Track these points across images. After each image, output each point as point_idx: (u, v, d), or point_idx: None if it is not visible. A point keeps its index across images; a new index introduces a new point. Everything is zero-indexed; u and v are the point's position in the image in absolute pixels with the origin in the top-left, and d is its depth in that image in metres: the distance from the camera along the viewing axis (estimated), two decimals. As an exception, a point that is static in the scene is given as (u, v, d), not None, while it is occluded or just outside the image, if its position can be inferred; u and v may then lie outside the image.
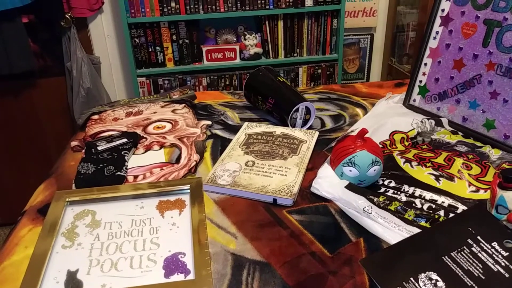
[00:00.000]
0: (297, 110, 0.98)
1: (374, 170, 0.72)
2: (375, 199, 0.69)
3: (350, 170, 0.72)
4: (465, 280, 0.53)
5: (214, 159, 0.88)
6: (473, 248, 0.57)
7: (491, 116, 0.87)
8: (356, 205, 0.68)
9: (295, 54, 2.13)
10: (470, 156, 0.81)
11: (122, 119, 1.03)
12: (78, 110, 1.91)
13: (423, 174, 0.76)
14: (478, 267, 0.55)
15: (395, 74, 2.35)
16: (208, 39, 2.10)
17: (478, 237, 0.59)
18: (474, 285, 0.53)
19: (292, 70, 2.14)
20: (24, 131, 1.99)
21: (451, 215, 0.66)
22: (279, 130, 0.96)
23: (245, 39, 2.04)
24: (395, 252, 0.60)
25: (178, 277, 0.57)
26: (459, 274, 0.54)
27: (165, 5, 1.88)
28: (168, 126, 0.98)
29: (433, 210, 0.67)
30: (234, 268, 0.59)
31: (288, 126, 0.98)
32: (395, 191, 0.72)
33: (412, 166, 0.78)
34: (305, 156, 0.85)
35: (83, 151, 0.87)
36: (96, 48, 2.10)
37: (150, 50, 1.98)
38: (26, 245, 0.64)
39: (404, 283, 0.54)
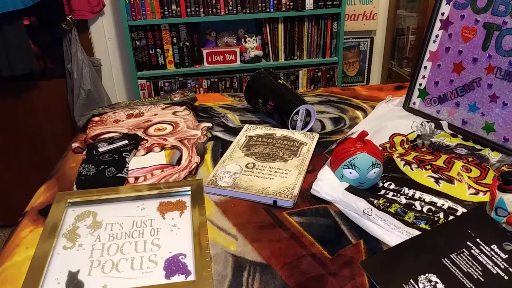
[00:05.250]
0: (297, 113, 0.98)
1: (374, 173, 0.72)
2: (375, 201, 0.69)
3: (350, 172, 0.73)
4: (465, 282, 0.53)
5: (215, 161, 0.88)
6: (472, 251, 0.58)
7: (491, 119, 0.88)
8: (356, 207, 0.68)
9: (295, 57, 2.14)
10: (470, 159, 0.82)
11: (123, 121, 1.04)
12: (79, 112, 1.91)
13: (423, 176, 0.76)
14: (477, 270, 0.55)
15: (394, 77, 2.35)
16: (209, 41, 2.11)
17: (478, 240, 0.59)
18: (473, 287, 0.53)
19: (292, 73, 2.15)
20: (24, 133, 1.99)
21: (451, 217, 0.66)
22: (279, 132, 0.96)
23: (245, 42, 2.04)
24: (395, 254, 0.60)
25: (178, 278, 0.57)
26: (459, 276, 0.54)
27: (166, 8, 1.89)
28: (169, 128, 0.99)
29: (432, 212, 0.67)
30: (235, 269, 0.59)
31: (288, 129, 0.99)
32: (395, 194, 0.72)
33: (412, 169, 0.78)
34: (306, 158, 0.85)
35: (84, 152, 0.87)
36: (97, 50, 2.10)
37: (150, 52, 1.99)
38: (27, 246, 0.65)
39: (404, 285, 0.54)
